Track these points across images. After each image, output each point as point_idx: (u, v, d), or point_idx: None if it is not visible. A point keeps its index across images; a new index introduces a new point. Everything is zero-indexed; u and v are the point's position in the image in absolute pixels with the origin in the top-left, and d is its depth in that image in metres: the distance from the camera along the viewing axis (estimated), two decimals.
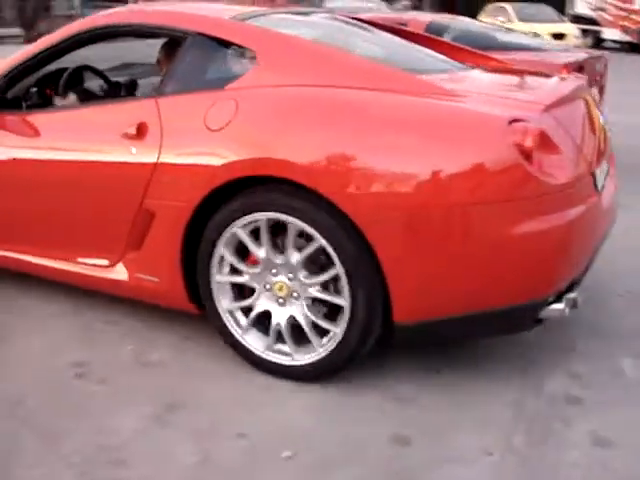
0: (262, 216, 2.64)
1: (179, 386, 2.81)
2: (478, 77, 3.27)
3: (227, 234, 2.74)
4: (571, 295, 2.62)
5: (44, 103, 3.60)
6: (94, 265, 3.18)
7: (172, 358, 3.03)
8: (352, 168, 2.45)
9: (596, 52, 7.44)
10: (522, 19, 19.52)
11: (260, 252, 2.74)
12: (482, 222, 2.40)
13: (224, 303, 2.88)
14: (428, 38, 4.07)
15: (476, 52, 3.94)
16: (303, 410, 2.65)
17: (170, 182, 2.81)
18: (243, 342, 2.87)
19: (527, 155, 2.38)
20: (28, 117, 3.31)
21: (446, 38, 5.73)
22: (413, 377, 2.88)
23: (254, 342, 2.86)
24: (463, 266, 2.45)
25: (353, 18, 4.06)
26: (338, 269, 2.55)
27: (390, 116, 2.51)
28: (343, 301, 2.59)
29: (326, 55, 2.82)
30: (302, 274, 2.69)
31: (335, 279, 2.61)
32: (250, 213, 2.66)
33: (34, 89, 3.57)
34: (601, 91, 6.95)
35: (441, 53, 3.69)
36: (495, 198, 2.38)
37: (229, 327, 2.89)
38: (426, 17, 7.51)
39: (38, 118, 3.29)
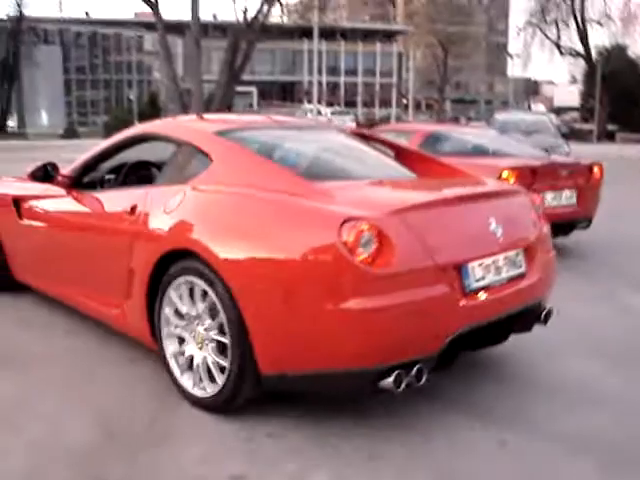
0: (183, 279, 3.50)
1: None
2: (384, 184, 3.97)
3: (167, 294, 3.61)
4: (402, 372, 3.05)
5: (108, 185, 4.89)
6: (105, 304, 4.21)
7: None
8: (228, 249, 3.28)
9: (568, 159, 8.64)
10: None
11: (183, 308, 3.56)
12: (313, 298, 3.05)
13: (170, 349, 3.67)
14: (404, 149, 4.97)
15: (437, 160, 4.74)
16: None
17: (141, 248, 3.82)
18: (180, 381, 3.60)
19: (351, 248, 2.99)
20: (84, 195, 4.58)
21: (445, 144, 7.85)
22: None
23: (186, 381, 3.57)
24: (303, 332, 3.10)
25: (356, 133, 5.13)
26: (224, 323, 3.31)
27: (260, 210, 3.38)
28: (228, 345, 3.30)
29: (255, 163, 3.74)
30: (205, 324, 3.45)
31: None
32: (179, 276, 3.52)
33: (97, 175, 4.91)
34: (580, 195, 7.52)
35: (413, 160, 4.68)
36: (323, 279, 3.04)
37: (172, 368, 3.66)
38: (429, 127, 9.34)
39: (88, 196, 4.54)
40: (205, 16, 43.79)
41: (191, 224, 3.53)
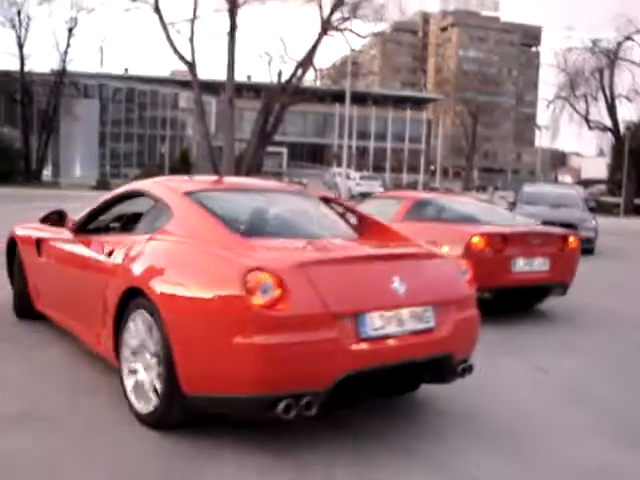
0: (137, 312, 4.18)
1: None
2: (309, 242, 4.47)
3: (127, 324, 4.27)
4: (291, 402, 3.58)
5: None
6: (91, 331, 4.92)
7: None
8: (165, 286, 3.99)
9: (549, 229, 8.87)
10: None
11: (136, 337, 4.20)
12: (220, 332, 3.67)
13: (125, 370, 4.33)
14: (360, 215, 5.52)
15: (385, 226, 5.27)
16: None
17: (112, 285, 4.52)
18: (129, 396, 4.24)
19: (251, 293, 3.58)
20: (85, 238, 5.37)
21: (429, 210, 8.74)
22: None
23: (133, 398, 4.20)
24: (213, 360, 3.72)
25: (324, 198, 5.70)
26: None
27: (192, 257, 4.14)
28: (160, 368, 3.97)
29: (204, 220, 4.41)
30: (151, 351, 4.06)
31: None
32: (135, 310, 4.21)
33: (102, 222, 5.77)
34: (554, 262, 7.87)
35: (364, 224, 5.32)
36: (228, 317, 3.66)
37: (125, 386, 4.29)
38: (419, 195, 10.79)
39: (87, 240, 5.32)
40: (240, 77, 44.75)
41: (143, 267, 4.26)
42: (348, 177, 44.47)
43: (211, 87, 48.82)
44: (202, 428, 4.01)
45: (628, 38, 45.36)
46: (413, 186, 60.04)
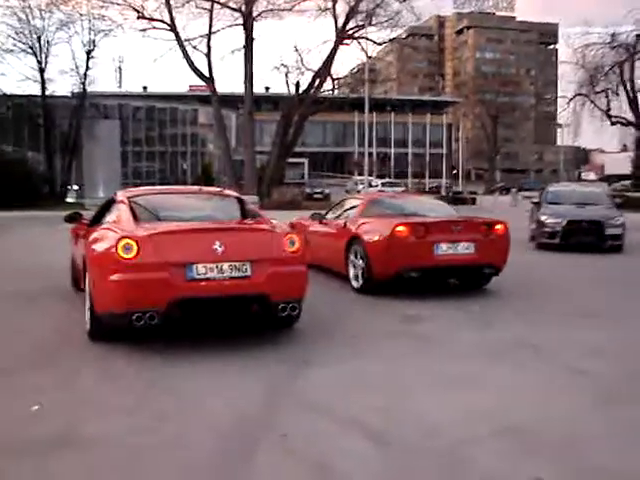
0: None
1: None
2: (181, 224, 6.70)
3: None
4: (141, 315, 5.96)
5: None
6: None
7: None
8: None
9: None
10: None
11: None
12: (100, 266, 6.37)
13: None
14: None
15: (260, 215, 7.62)
16: None
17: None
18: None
19: (119, 250, 5.97)
20: (91, 229, 7.54)
21: (380, 207, 10.76)
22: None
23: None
24: (97, 289, 6.39)
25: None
26: None
27: (104, 233, 6.81)
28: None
29: (122, 212, 7.01)
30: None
31: None
32: None
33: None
34: (479, 246, 9.30)
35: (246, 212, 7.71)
36: (106, 260, 6.22)
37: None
38: (373, 196, 14.22)
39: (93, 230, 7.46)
40: (258, 89, 44.90)
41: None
42: (370, 185, 44.42)
43: (230, 101, 49.04)
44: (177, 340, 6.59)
45: None
46: (436, 190, 59.81)
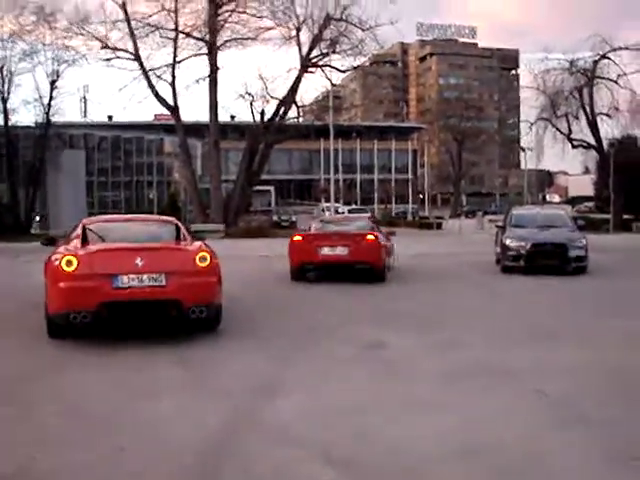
0: None
1: None
2: (119, 245, 8.51)
3: None
4: (76, 315, 7.67)
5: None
6: None
7: None
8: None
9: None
10: None
11: None
12: (51, 277, 8.14)
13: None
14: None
15: (192, 237, 9.52)
16: None
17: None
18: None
19: (63, 264, 7.84)
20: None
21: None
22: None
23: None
24: (49, 294, 8.11)
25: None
26: None
27: (57, 254, 8.38)
28: None
29: (77, 236, 8.63)
30: None
31: None
32: None
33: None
34: (353, 249, 14.16)
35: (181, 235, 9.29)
36: (55, 272, 8.00)
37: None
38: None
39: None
40: (223, 117, 44.96)
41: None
42: (337, 211, 44.54)
43: (195, 130, 48.95)
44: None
45: (604, 56, 45.81)
46: (403, 216, 60.14)
